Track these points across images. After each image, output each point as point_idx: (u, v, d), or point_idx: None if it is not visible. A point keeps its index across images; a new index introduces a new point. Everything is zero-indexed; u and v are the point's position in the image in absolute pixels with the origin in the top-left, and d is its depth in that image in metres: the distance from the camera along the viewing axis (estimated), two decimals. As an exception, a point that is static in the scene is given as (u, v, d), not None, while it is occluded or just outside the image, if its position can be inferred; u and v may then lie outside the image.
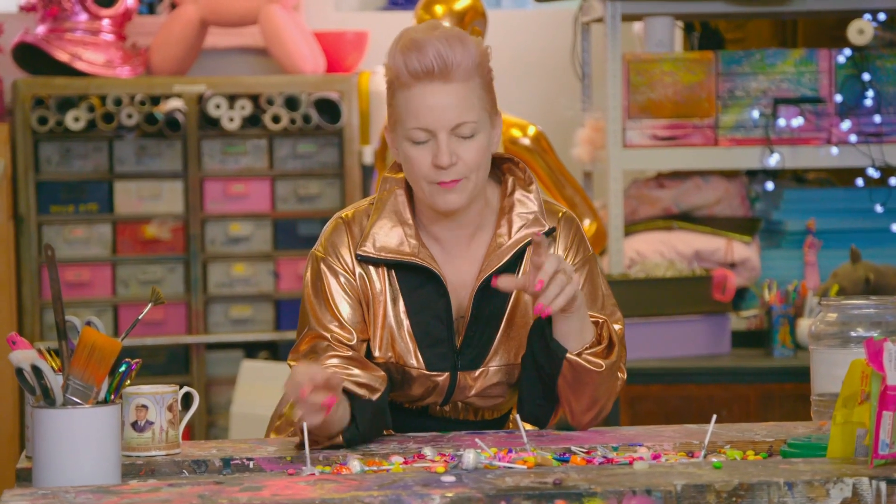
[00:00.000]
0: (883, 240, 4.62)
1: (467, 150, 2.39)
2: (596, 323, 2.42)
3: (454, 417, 2.51)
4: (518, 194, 2.49)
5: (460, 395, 2.48)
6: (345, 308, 2.44)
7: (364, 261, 2.45)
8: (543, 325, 2.39)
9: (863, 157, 4.53)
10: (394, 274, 2.46)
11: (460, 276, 2.47)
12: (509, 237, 2.46)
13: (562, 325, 2.38)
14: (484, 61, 2.42)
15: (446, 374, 2.46)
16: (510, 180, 2.51)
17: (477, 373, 2.47)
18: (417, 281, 2.44)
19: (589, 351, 2.39)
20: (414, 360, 2.45)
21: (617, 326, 2.47)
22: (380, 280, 2.46)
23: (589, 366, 2.37)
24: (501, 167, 2.53)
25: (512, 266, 2.46)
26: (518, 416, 2.32)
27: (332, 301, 2.44)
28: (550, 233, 2.48)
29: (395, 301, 2.45)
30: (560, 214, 2.52)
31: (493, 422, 2.55)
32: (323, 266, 2.46)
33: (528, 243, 2.45)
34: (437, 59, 2.36)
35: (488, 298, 2.46)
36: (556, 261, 2.30)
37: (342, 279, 2.45)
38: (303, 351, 2.44)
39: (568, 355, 2.37)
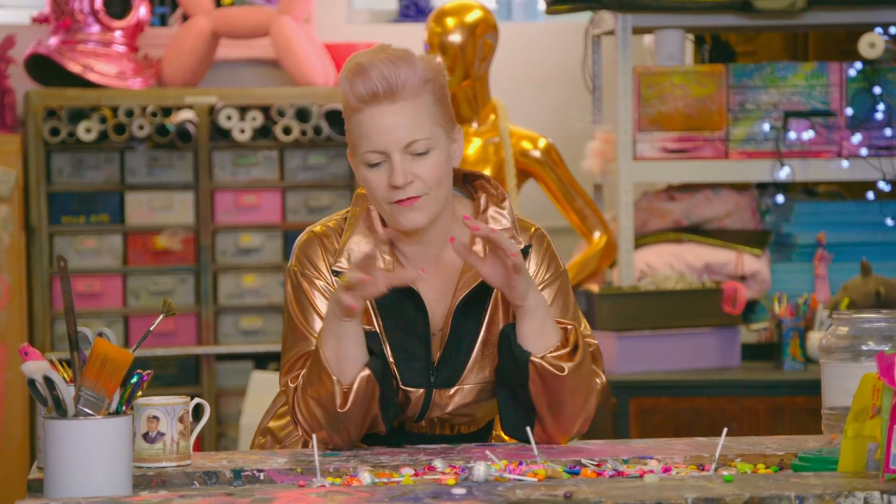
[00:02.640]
0: (894, 253, 4.61)
1: (423, 167, 2.40)
2: (565, 329, 2.43)
3: (430, 433, 2.52)
4: (491, 211, 2.50)
5: (435, 411, 2.48)
6: None
7: (339, 275, 2.46)
8: (508, 333, 2.40)
9: (873, 171, 4.52)
10: None
11: (434, 292, 2.48)
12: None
13: (521, 326, 2.39)
14: (435, 77, 2.42)
15: (421, 390, 2.46)
16: (483, 197, 2.52)
17: (452, 391, 2.47)
18: (393, 297, 2.43)
19: (553, 354, 2.39)
20: (389, 371, 2.45)
21: (590, 340, 2.48)
22: None
23: (552, 369, 2.38)
24: (474, 184, 2.54)
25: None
26: (528, 429, 2.33)
27: (317, 310, 2.45)
28: (526, 250, 2.49)
29: (373, 316, 2.46)
30: (532, 231, 2.53)
31: (469, 436, 2.55)
32: (302, 279, 2.47)
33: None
34: (381, 80, 2.38)
35: (465, 317, 2.47)
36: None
37: (322, 287, 2.46)
38: (298, 368, 2.44)
39: (532, 358, 2.38)
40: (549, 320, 2.40)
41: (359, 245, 2.46)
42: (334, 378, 2.36)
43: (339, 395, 2.36)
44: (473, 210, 2.52)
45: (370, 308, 2.46)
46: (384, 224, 2.48)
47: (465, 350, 2.47)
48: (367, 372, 2.37)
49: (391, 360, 2.46)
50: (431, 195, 2.41)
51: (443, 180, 2.42)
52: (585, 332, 2.51)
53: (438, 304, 2.47)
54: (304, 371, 2.42)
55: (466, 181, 2.54)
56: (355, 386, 2.36)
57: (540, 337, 2.39)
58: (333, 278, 2.46)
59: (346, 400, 2.36)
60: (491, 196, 2.51)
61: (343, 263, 2.45)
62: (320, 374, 2.37)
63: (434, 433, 2.52)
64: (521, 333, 2.40)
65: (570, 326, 2.43)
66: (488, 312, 2.48)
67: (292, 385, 2.43)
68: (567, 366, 2.39)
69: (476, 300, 2.46)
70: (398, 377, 2.46)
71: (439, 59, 2.50)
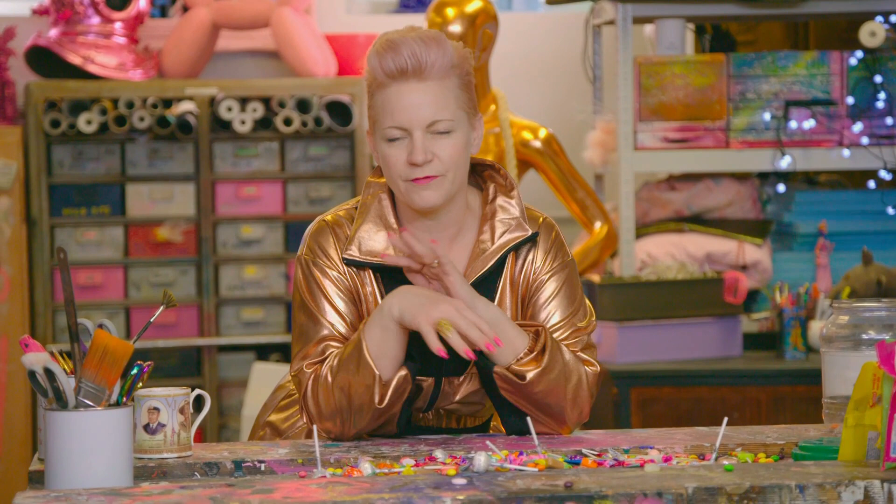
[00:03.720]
0: (895, 242, 4.61)
1: (443, 148, 2.41)
2: (537, 332, 2.42)
3: (437, 426, 2.51)
4: (500, 200, 2.50)
5: (444, 400, 2.48)
6: (341, 305, 2.45)
7: (350, 264, 2.46)
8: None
9: (874, 160, 4.52)
10: (380, 277, 2.47)
11: None
12: (492, 242, 2.47)
13: None
14: (463, 63, 2.43)
15: (430, 378, 2.46)
16: (491, 186, 2.52)
17: (461, 378, 2.47)
18: (403, 284, 2.44)
19: (520, 361, 2.39)
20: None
21: (582, 331, 2.48)
22: (368, 283, 2.47)
23: (515, 378, 2.38)
24: (482, 173, 2.54)
25: (495, 271, 2.48)
26: (528, 419, 2.33)
27: (330, 299, 2.45)
28: (533, 238, 2.49)
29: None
30: (540, 220, 2.53)
31: (474, 429, 2.55)
32: (313, 268, 2.47)
33: (512, 248, 2.47)
34: (412, 57, 2.39)
35: None
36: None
37: (334, 277, 2.46)
38: (316, 355, 2.44)
39: (495, 369, 2.38)
40: (511, 329, 2.40)
41: (369, 233, 2.46)
42: (377, 373, 2.36)
43: (377, 390, 2.36)
44: (482, 199, 2.52)
45: (378, 297, 2.46)
46: (395, 212, 2.48)
47: None
48: (404, 371, 2.38)
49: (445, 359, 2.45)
50: (448, 176, 2.41)
51: (460, 163, 2.42)
52: (590, 320, 2.50)
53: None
54: (333, 361, 2.41)
55: (475, 171, 2.54)
56: (393, 383, 2.36)
57: (506, 347, 2.38)
58: (345, 268, 2.46)
59: (385, 396, 2.36)
60: (499, 185, 2.52)
61: (353, 252, 2.45)
62: (359, 366, 2.36)
63: (441, 426, 2.52)
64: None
65: (540, 329, 2.43)
66: (496, 299, 2.48)
67: (308, 371, 2.42)
68: (530, 373, 2.38)
69: (484, 287, 2.46)
70: (409, 367, 2.45)
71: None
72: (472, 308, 2.37)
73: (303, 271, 2.48)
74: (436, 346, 2.31)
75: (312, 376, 2.41)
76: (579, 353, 2.45)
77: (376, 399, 2.36)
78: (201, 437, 5.16)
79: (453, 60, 2.41)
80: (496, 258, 2.47)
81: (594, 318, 2.53)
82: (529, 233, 2.48)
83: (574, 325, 2.48)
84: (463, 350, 2.31)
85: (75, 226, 5.22)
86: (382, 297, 2.45)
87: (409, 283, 2.44)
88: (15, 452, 5.09)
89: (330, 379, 2.39)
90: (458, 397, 2.48)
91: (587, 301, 2.55)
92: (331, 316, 2.44)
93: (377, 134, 2.44)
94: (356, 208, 2.50)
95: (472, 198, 2.52)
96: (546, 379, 2.38)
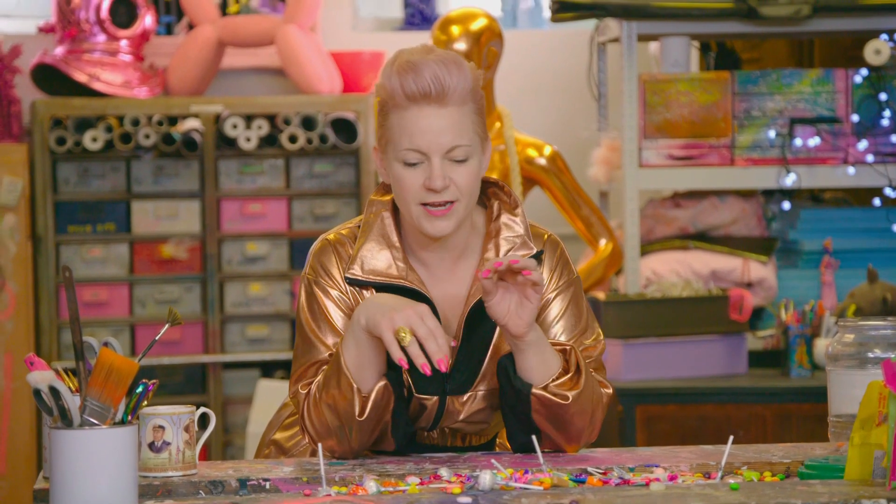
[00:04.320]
0: (900, 260, 4.61)
1: (460, 175, 2.40)
2: (564, 351, 2.42)
3: (441, 444, 2.51)
4: (504, 218, 2.50)
5: (448, 420, 2.48)
6: (342, 325, 2.44)
7: (352, 283, 2.45)
8: (506, 366, 2.39)
9: (879, 177, 4.52)
10: None
11: (448, 300, 2.47)
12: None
13: (522, 360, 2.38)
14: (477, 87, 2.42)
15: (435, 398, 2.46)
16: (496, 204, 2.51)
17: (465, 397, 2.47)
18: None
19: (556, 382, 2.38)
20: (403, 382, 2.45)
21: (591, 349, 2.47)
22: None
23: (557, 399, 2.37)
24: (486, 191, 2.54)
25: None
26: (533, 437, 2.32)
27: (331, 320, 2.44)
28: (538, 255, 2.48)
29: None
30: (545, 237, 2.52)
31: (479, 447, 2.54)
32: (316, 288, 2.46)
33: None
34: (435, 81, 2.37)
35: (478, 323, 2.46)
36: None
37: (336, 297, 2.45)
38: (310, 376, 2.43)
39: (534, 390, 2.37)
40: (548, 349, 2.39)
41: (372, 252, 2.46)
42: (354, 386, 2.35)
43: (357, 402, 2.36)
44: (486, 217, 2.52)
45: None
46: (398, 231, 2.48)
47: (477, 356, 2.47)
48: (383, 381, 2.37)
49: (404, 369, 2.45)
50: (462, 202, 2.41)
51: (474, 189, 2.42)
52: (598, 339, 2.50)
53: (452, 311, 2.47)
54: (319, 377, 2.41)
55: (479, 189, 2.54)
56: (373, 395, 2.36)
57: (541, 367, 2.38)
58: (347, 287, 2.45)
59: (365, 408, 2.36)
60: (504, 203, 2.51)
61: (356, 271, 2.45)
62: (339, 381, 2.36)
63: (446, 444, 2.51)
64: (522, 366, 2.38)
65: (568, 347, 2.42)
66: None
67: (303, 392, 2.42)
68: (571, 394, 2.38)
69: None
70: (412, 386, 2.45)
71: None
72: (533, 321, 2.33)
73: (306, 291, 2.48)
74: (397, 356, 2.27)
75: (305, 397, 2.41)
76: (593, 375, 2.45)
77: (356, 411, 2.35)
78: (206, 454, 5.15)
79: (471, 85, 2.40)
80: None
81: (602, 337, 2.52)
82: (534, 250, 2.48)
83: (582, 343, 2.47)
84: (420, 364, 2.27)
85: (81, 243, 5.22)
86: None
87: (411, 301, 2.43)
88: (19, 471, 5.09)
89: (318, 397, 2.39)
90: (462, 416, 2.48)
91: (594, 319, 2.54)
92: (330, 338, 2.44)
93: (391, 154, 2.42)
94: (359, 227, 2.50)
95: (476, 216, 2.51)
96: (581, 399, 2.38)
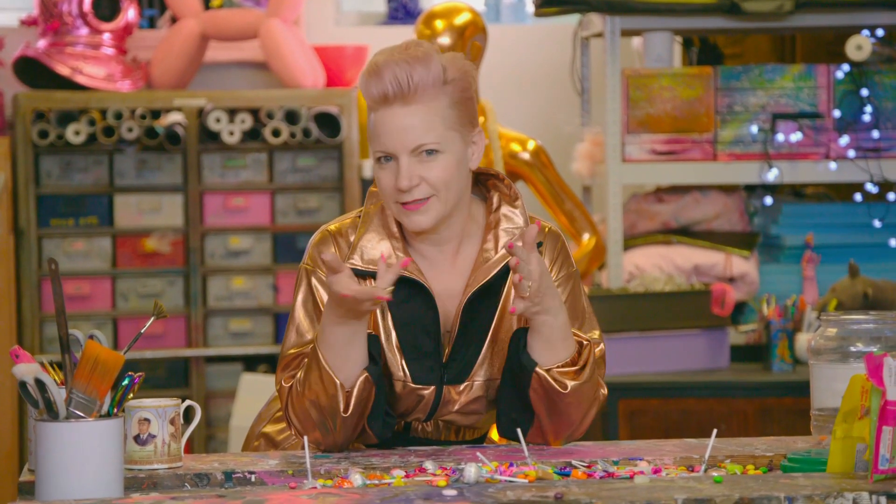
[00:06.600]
0: (881, 255, 4.63)
1: (430, 170, 2.41)
2: (580, 344, 2.43)
3: (435, 438, 2.52)
4: (504, 209, 2.50)
5: (444, 410, 2.48)
6: None
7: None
8: (519, 337, 2.40)
9: (861, 173, 4.54)
10: None
11: (447, 290, 2.48)
12: (496, 252, 2.47)
13: (532, 339, 2.39)
14: (459, 78, 2.42)
15: (432, 387, 2.47)
16: (495, 196, 2.52)
17: (462, 387, 2.48)
18: (405, 293, 2.44)
19: (560, 369, 2.39)
20: (400, 371, 2.46)
21: (597, 347, 2.47)
22: None
23: (555, 385, 2.38)
24: (486, 183, 2.54)
25: (499, 280, 2.47)
26: (518, 430, 2.33)
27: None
28: (538, 247, 2.49)
29: (382, 313, 2.46)
30: (546, 230, 2.53)
31: (472, 442, 2.55)
32: (314, 279, 2.47)
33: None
34: (393, 82, 2.38)
35: (475, 313, 2.47)
36: (539, 262, 2.32)
37: None
38: (293, 368, 2.44)
39: (537, 369, 2.38)
40: (559, 337, 2.40)
41: (371, 242, 2.47)
42: (337, 382, 2.36)
43: (341, 399, 2.36)
44: (486, 209, 2.52)
45: (383, 305, 2.45)
46: (398, 223, 2.49)
47: (474, 346, 2.47)
48: (365, 375, 2.38)
49: (401, 358, 2.45)
50: (440, 197, 2.41)
51: (451, 182, 2.42)
52: (593, 332, 2.50)
53: (450, 301, 2.47)
54: (299, 373, 2.42)
55: (478, 181, 2.54)
56: (356, 390, 2.36)
57: (550, 350, 2.39)
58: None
59: (349, 403, 2.36)
60: (503, 195, 2.52)
61: (356, 261, 2.45)
62: (321, 377, 2.37)
63: (439, 438, 2.52)
64: (533, 344, 2.40)
65: (585, 342, 2.43)
66: (499, 309, 2.48)
67: (286, 385, 2.43)
68: (571, 384, 2.39)
69: (486, 297, 2.47)
70: (409, 375, 2.46)
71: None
72: (552, 306, 2.35)
73: (304, 281, 2.49)
74: (377, 293, 2.28)
75: (289, 391, 2.42)
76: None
77: (341, 407, 2.35)
78: (189, 448, 5.15)
79: (440, 78, 2.40)
80: (499, 267, 2.46)
81: (601, 337, 2.51)
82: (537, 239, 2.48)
83: None
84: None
85: (63, 236, 5.21)
86: (380, 308, 2.46)
87: (410, 291, 2.44)
88: (3, 464, 5.08)
89: (300, 391, 2.40)
90: (458, 406, 2.48)
91: (594, 317, 2.54)
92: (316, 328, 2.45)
93: (371, 153, 2.45)
94: (360, 217, 2.51)
95: (475, 208, 2.52)
96: (579, 392, 2.40)
